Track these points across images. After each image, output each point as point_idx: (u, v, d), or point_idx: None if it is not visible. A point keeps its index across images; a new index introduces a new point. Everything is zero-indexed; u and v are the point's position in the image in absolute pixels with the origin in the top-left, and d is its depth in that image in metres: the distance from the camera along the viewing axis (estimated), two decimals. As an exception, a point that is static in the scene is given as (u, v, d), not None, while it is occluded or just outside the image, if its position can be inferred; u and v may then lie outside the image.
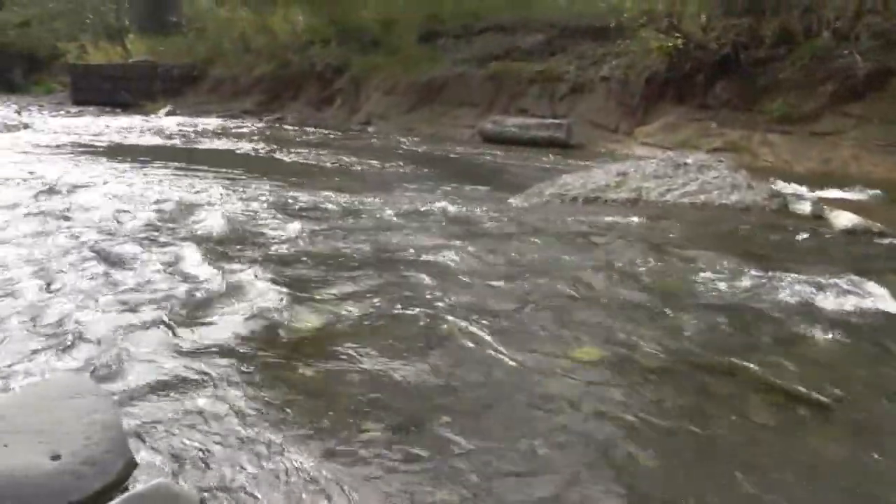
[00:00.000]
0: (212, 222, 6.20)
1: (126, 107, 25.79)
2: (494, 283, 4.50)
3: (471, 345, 3.50)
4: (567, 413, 2.84)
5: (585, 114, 16.27)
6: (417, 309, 3.97)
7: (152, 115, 23.22)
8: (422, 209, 6.90)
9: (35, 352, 3.32)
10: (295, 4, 24.81)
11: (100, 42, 33.86)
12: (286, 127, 19.82)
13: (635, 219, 6.38)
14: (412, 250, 5.25)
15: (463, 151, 14.13)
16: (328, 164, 11.32)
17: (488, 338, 3.57)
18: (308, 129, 19.02)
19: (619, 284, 4.48)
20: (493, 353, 3.41)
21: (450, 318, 3.82)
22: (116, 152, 12.34)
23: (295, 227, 6.07)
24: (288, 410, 2.84)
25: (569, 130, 15.42)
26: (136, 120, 20.89)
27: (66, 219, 6.25)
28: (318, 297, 4.19)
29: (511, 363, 3.30)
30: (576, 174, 8.22)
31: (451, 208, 6.92)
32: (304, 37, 23.84)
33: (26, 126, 17.39)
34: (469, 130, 17.27)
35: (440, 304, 4.04)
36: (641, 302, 4.17)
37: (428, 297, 4.16)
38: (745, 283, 4.53)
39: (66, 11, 37.30)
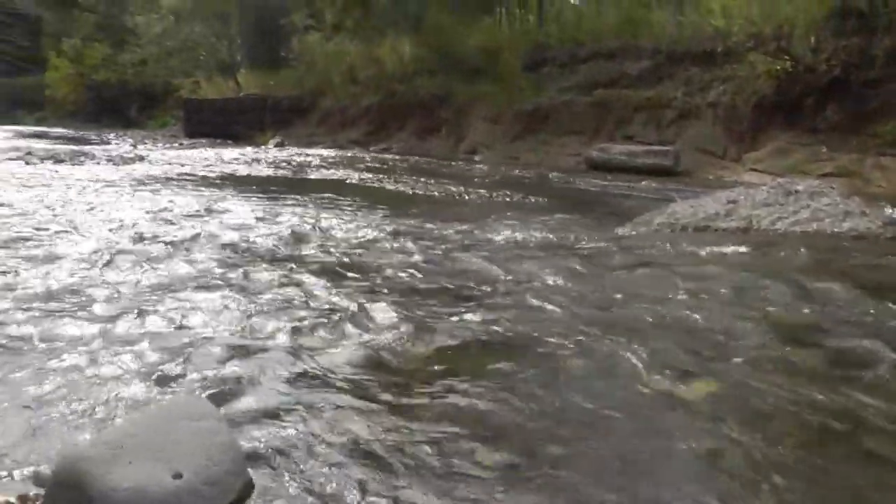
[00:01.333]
0: (323, 250, 6.35)
1: (237, 139, 26.51)
2: (604, 313, 4.47)
3: (581, 376, 3.49)
4: (680, 451, 2.80)
5: (692, 140, 16.09)
6: (527, 339, 3.97)
7: (262, 147, 23.78)
8: (530, 238, 6.93)
9: (156, 373, 3.45)
10: (402, 35, 25.18)
11: (213, 77, 34.97)
12: (393, 157, 20.04)
13: (746, 248, 6.25)
14: (521, 280, 5.26)
15: (569, 180, 14.09)
16: (436, 194, 11.44)
17: (598, 370, 3.55)
18: (414, 158, 19.21)
19: (732, 317, 4.38)
20: (603, 385, 3.39)
21: (559, 348, 3.81)
22: (228, 182, 12.70)
23: (405, 255, 6.18)
24: (401, 439, 2.86)
25: (676, 157, 15.26)
26: (246, 151, 21.44)
27: (184, 247, 6.47)
28: (430, 325, 4.22)
29: (621, 397, 3.27)
30: (685, 202, 8.11)
31: (559, 238, 6.93)
32: (410, 67, 24.16)
33: (141, 158, 18.03)
34: (575, 158, 17.22)
35: (549, 334, 4.03)
36: (754, 335, 4.05)
37: (537, 327, 4.16)
38: (863, 315, 4.39)
39: (182, 49, 38.58)
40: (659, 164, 15.12)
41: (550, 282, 5.20)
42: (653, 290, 4.97)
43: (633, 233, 7.35)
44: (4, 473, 2.57)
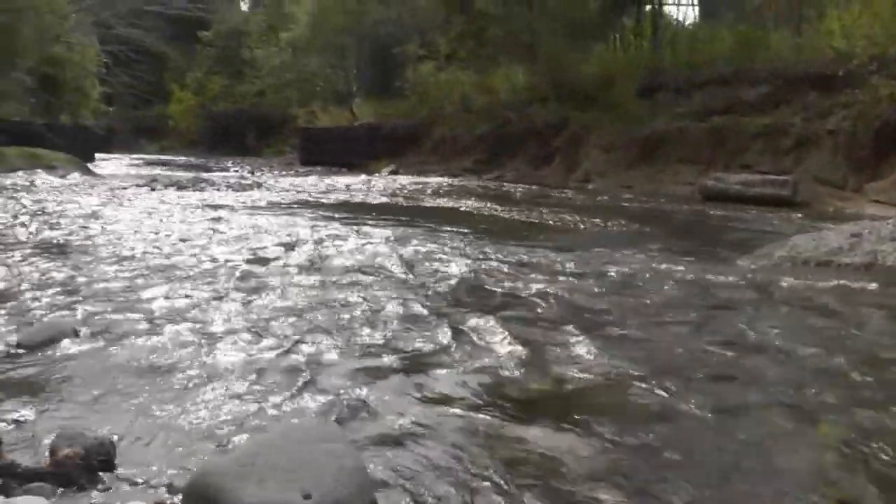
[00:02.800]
0: (443, 277, 6.46)
1: (351, 167, 27.01)
2: (726, 350, 4.41)
3: (703, 415, 3.45)
4: (809, 496, 2.74)
5: (811, 169, 15.67)
6: (648, 375, 3.94)
7: (376, 174, 24.16)
8: (647, 270, 6.89)
9: (284, 394, 3.61)
10: (515, 63, 25.28)
11: (328, 107, 35.77)
12: (506, 185, 20.11)
13: (872, 285, 6.10)
14: (641, 313, 5.24)
15: (684, 210, 13.92)
16: (550, 222, 11.46)
17: (722, 409, 3.50)
18: (527, 186, 19.24)
19: (859, 359, 4.26)
20: (725, 424, 3.36)
21: (681, 385, 3.78)
22: (344, 209, 12.98)
23: (524, 284, 6.22)
24: (520, 470, 2.89)
25: (794, 188, 14.86)
26: (360, 179, 21.80)
27: (305, 270, 6.71)
28: (548, 356, 4.25)
29: (744, 436, 3.23)
30: (806, 235, 7.96)
31: (678, 270, 6.85)
32: (523, 95, 24.22)
33: (259, 185, 18.62)
34: (689, 187, 16.94)
35: (671, 371, 4.00)
36: (884, 380, 3.93)
37: (658, 363, 4.14)
38: None
39: (299, 80, 39.59)
40: (776, 194, 14.76)
41: (671, 317, 5.15)
42: (776, 327, 4.89)
43: (754, 266, 7.24)
44: (141, 481, 2.75)
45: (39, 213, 11.22)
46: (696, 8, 29.09)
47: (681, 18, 30.41)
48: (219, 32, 49.31)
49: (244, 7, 58.13)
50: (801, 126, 16.61)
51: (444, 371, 3.99)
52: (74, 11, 32.16)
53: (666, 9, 28.58)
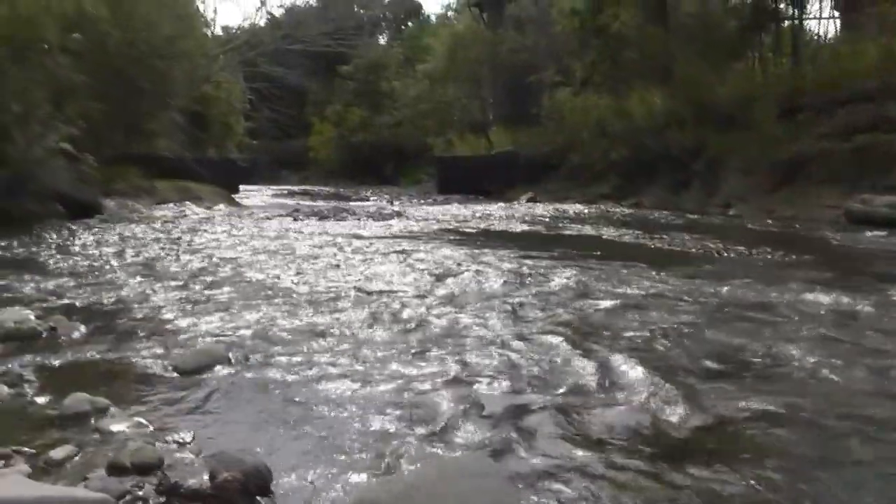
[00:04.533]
0: (590, 311, 6.55)
1: (488, 194, 27.25)
2: (883, 391, 4.32)
3: (870, 462, 3.37)
4: None
5: (965, 189, 15.03)
6: (802, 416, 3.90)
7: (514, 203, 24.29)
8: (797, 302, 6.79)
9: (436, 427, 3.77)
10: (651, 86, 25.08)
11: (464, 135, 36.21)
12: (644, 211, 19.98)
13: None
14: (797, 350, 5.12)
15: (830, 235, 13.53)
16: (692, 250, 11.40)
17: (888, 457, 3.41)
18: (666, 212, 19.06)
19: None
20: (887, 475, 3.26)
21: (844, 431, 3.70)
22: (485, 238, 13.21)
23: (668, 315, 6.28)
24: None
25: (947, 210, 14.29)
26: (499, 207, 22.02)
27: (452, 302, 6.92)
28: (699, 393, 4.25)
29: None
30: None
31: (830, 302, 6.73)
32: (660, 119, 23.98)
33: (399, 214, 19.07)
34: (834, 211, 16.36)
35: (832, 414, 3.92)
36: None
37: (810, 403, 4.07)
38: None
39: (435, 110, 40.22)
40: (926, 217, 14.22)
41: (830, 355, 5.00)
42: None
43: (907, 297, 7.09)
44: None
45: (190, 242, 11.87)
46: (838, 21, 28.21)
47: (821, 33, 29.63)
48: (358, 66, 50.79)
49: (382, 41, 59.70)
50: (953, 143, 15.91)
51: (591, 407, 4.07)
52: (222, 53, 33.68)
53: (805, 24, 27.87)
